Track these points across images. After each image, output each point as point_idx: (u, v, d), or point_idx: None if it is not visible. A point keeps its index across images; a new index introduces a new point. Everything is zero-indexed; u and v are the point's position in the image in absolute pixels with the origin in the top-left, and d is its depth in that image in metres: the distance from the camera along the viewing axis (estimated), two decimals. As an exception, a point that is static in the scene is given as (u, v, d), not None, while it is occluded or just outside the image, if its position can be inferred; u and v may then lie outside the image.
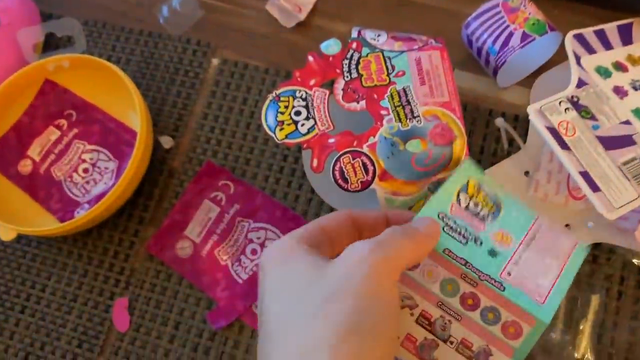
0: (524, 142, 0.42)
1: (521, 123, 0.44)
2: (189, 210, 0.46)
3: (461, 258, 0.34)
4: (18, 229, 0.44)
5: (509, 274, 0.35)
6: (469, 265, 0.35)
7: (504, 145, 0.44)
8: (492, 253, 0.35)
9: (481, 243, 0.35)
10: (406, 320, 0.34)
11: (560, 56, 0.43)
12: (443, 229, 0.34)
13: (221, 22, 0.51)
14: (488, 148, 0.44)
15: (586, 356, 0.38)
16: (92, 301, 0.45)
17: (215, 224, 0.45)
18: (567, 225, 0.40)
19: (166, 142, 0.48)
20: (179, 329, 0.43)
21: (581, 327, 0.38)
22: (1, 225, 0.43)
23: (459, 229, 0.34)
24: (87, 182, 0.48)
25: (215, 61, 0.50)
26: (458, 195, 0.34)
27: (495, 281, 0.34)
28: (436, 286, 0.34)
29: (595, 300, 0.38)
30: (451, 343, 0.34)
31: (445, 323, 0.34)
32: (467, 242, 0.35)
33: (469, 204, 0.35)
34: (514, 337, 0.34)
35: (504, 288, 0.34)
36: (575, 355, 0.38)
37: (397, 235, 0.29)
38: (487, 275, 0.34)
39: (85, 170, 0.48)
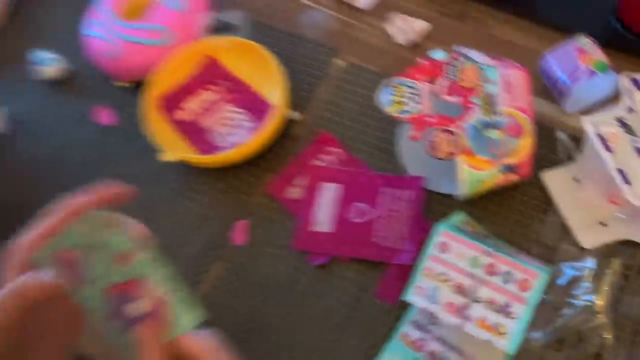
0: (578, 155, 0.53)
1: (578, 143, 0.55)
2: (299, 167, 0.59)
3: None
4: (181, 155, 0.58)
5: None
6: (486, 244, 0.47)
7: (561, 155, 0.55)
8: None
9: None
10: (445, 290, 0.46)
11: (615, 94, 0.54)
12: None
13: (348, 33, 0.65)
14: (547, 155, 0.55)
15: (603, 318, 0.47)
16: (219, 220, 0.58)
17: (321, 180, 0.58)
18: (601, 223, 0.51)
19: (294, 115, 0.62)
20: (281, 250, 0.55)
21: (603, 288, 0.47)
22: (168, 151, 0.58)
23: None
24: (228, 134, 0.62)
25: (339, 62, 0.64)
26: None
27: (505, 252, 0.46)
28: (466, 264, 0.46)
29: (615, 263, 0.48)
30: (480, 302, 0.45)
31: (475, 288, 0.45)
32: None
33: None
34: (525, 289, 0.44)
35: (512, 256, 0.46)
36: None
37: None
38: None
39: (228, 125, 0.62)
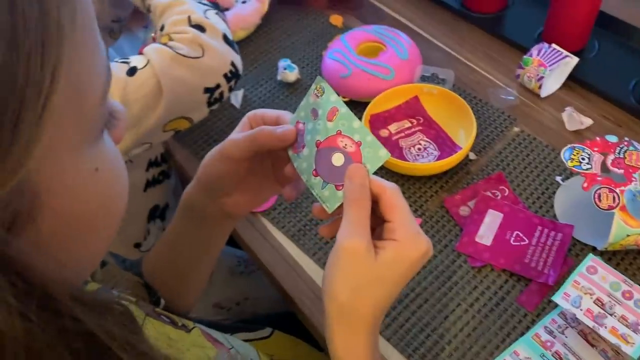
0: None
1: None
2: (474, 193, 0.74)
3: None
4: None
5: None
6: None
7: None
8: None
9: None
10: (586, 300, 0.59)
11: None
12: None
13: (527, 111, 0.83)
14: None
15: None
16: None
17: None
18: None
19: (471, 155, 0.78)
20: (446, 249, 0.70)
21: None
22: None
23: None
24: (418, 155, 0.79)
25: (515, 128, 0.81)
26: None
27: None
28: (607, 286, 0.59)
29: None
30: (614, 316, 0.58)
31: (611, 305, 0.58)
32: None
33: None
34: None
35: None
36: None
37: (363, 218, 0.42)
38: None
39: (418, 149, 0.80)
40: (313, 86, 0.46)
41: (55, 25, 0.23)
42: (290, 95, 0.90)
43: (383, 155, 0.42)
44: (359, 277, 0.41)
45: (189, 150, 0.85)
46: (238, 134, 0.49)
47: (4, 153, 0.21)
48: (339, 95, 0.46)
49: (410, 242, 0.42)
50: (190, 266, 0.60)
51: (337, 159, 0.43)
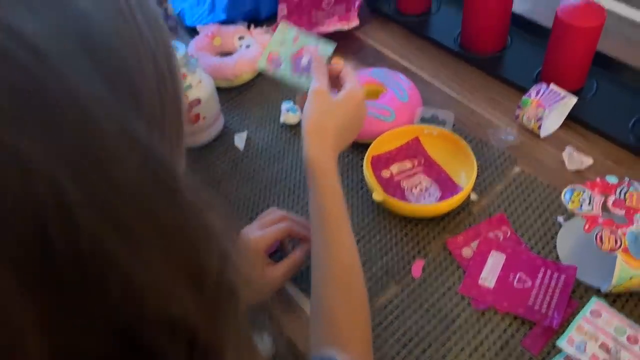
0: None
1: None
2: (476, 235, 0.74)
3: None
4: (385, 197, 0.76)
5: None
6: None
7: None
8: None
9: None
10: (591, 345, 0.59)
11: None
12: None
13: (527, 151, 0.84)
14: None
15: None
16: (401, 254, 0.74)
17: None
18: None
19: (473, 196, 0.79)
20: (449, 291, 0.70)
21: None
22: (377, 191, 0.76)
23: None
24: (419, 196, 0.80)
25: (516, 168, 0.82)
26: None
27: None
28: (612, 330, 0.59)
29: None
30: None
31: (617, 350, 0.58)
32: None
33: None
34: None
35: None
36: None
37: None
38: None
39: (420, 190, 0.80)
40: (279, 27, 0.75)
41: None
42: (292, 136, 0.91)
43: (330, 46, 0.72)
44: (324, 107, 0.65)
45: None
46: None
47: None
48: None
49: (354, 88, 0.68)
50: None
51: (305, 60, 0.71)
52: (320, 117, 0.64)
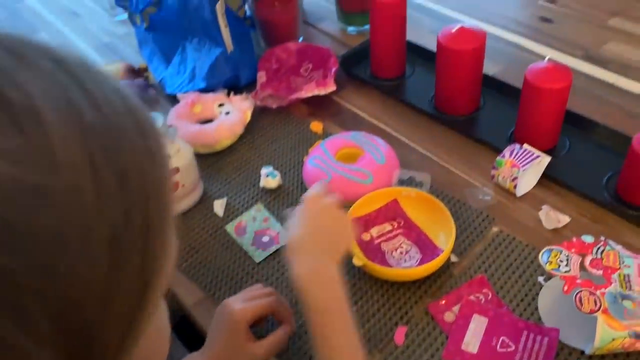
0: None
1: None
2: (457, 298, 0.74)
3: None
4: (365, 262, 0.75)
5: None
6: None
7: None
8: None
9: None
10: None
11: None
12: None
13: (504, 210, 0.84)
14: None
15: None
16: (384, 321, 0.73)
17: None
18: None
19: (453, 258, 0.79)
20: (432, 357, 0.68)
21: None
22: (357, 255, 0.75)
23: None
24: (400, 259, 0.79)
25: (494, 228, 0.82)
26: None
27: None
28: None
29: None
30: None
31: None
32: None
33: None
34: None
35: None
36: None
37: None
38: None
39: (400, 253, 0.80)
40: (256, 206, 0.87)
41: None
42: (272, 201, 0.91)
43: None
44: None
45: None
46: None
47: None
48: None
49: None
50: None
51: (266, 239, 0.84)
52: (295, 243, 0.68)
